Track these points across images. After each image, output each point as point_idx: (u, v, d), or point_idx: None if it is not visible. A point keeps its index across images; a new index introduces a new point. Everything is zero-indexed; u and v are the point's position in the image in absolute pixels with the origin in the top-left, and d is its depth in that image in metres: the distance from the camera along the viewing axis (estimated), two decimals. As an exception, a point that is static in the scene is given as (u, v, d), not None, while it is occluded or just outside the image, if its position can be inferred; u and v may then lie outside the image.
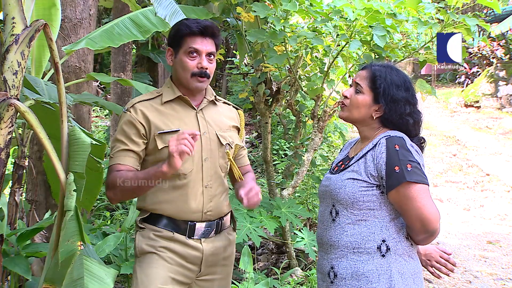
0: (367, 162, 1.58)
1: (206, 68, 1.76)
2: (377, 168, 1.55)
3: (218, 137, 1.83)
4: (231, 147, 1.87)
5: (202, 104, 1.85)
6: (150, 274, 1.73)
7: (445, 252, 1.74)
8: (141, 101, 1.80)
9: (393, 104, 1.61)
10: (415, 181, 1.49)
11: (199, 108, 1.84)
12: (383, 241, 1.54)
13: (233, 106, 2.01)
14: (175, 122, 1.78)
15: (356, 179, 1.58)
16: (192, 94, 1.83)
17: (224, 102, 1.98)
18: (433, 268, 1.74)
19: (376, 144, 1.58)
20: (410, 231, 1.55)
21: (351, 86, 1.73)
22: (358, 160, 1.62)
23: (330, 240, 1.62)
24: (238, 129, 1.96)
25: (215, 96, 1.92)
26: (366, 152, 1.61)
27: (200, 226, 1.79)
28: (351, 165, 1.64)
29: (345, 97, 1.70)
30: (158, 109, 1.79)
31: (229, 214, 1.94)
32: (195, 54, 1.75)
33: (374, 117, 1.64)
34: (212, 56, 1.79)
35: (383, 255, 1.53)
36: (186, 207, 1.76)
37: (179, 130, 1.73)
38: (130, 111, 1.77)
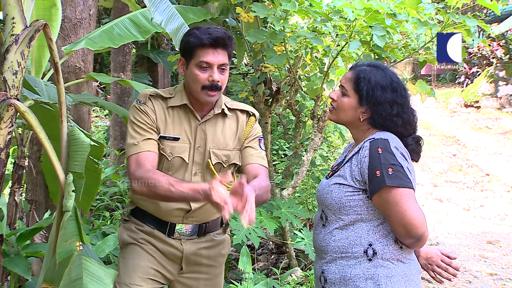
0: (352, 166, 1.55)
1: (218, 81, 1.71)
2: (361, 172, 1.52)
3: (210, 153, 1.79)
4: (223, 166, 1.82)
5: (207, 116, 1.80)
6: (131, 265, 1.76)
7: (448, 256, 1.69)
8: (155, 96, 1.79)
9: (377, 106, 1.57)
10: (396, 185, 1.45)
11: (203, 120, 1.80)
12: (370, 245, 1.51)
13: (248, 113, 1.89)
14: (176, 129, 1.77)
15: (342, 184, 1.55)
16: (200, 104, 1.79)
17: (237, 109, 1.88)
18: (434, 272, 1.69)
19: (361, 147, 1.55)
20: (396, 235, 1.52)
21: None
22: (345, 164, 1.60)
23: (320, 245, 1.62)
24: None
25: (225, 105, 1.84)
26: (352, 156, 1.58)
27: (180, 227, 1.81)
28: (339, 169, 1.61)
29: (333, 99, 1.67)
30: (165, 112, 1.78)
31: (219, 218, 1.92)
32: (206, 66, 1.69)
33: (362, 119, 1.61)
34: (224, 67, 1.72)
35: (369, 259, 1.51)
36: (167, 212, 1.79)
37: (178, 139, 1.75)
38: (146, 104, 1.76)
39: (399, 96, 1.59)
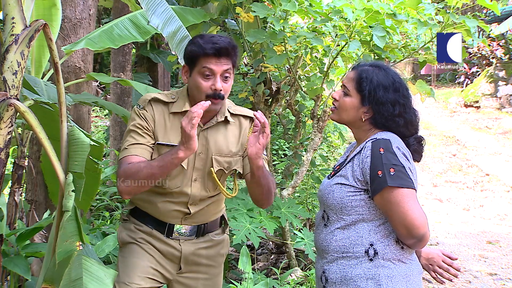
0: (354, 166, 1.55)
1: (221, 90, 1.68)
2: (363, 172, 1.52)
3: (212, 160, 1.79)
4: (225, 172, 1.83)
5: (209, 123, 1.79)
6: (130, 264, 1.77)
7: (449, 257, 1.69)
8: (156, 101, 1.78)
9: (380, 106, 1.57)
10: (398, 186, 1.45)
11: (205, 127, 1.78)
12: (371, 245, 1.52)
13: (251, 119, 1.85)
14: (176, 136, 1.73)
15: (344, 184, 1.55)
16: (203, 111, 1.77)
17: (240, 115, 1.86)
18: (436, 273, 1.69)
19: (363, 147, 1.55)
20: (398, 236, 1.52)
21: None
22: (346, 164, 1.60)
23: (321, 244, 1.62)
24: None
25: (229, 112, 1.83)
26: (354, 156, 1.58)
27: (179, 228, 1.82)
28: (341, 169, 1.61)
29: (335, 99, 1.67)
30: (165, 118, 1.77)
31: (218, 218, 1.93)
32: (209, 74, 1.68)
33: (364, 119, 1.61)
34: (228, 74, 1.71)
35: (371, 259, 1.51)
36: (166, 214, 1.80)
37: (177, 145, 1.71)
38: (145, 109, 1.75)
39: (401, 96, 1.59)
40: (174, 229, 1.81)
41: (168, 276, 1.83)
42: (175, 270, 1.84)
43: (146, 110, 1.75)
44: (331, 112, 1.71)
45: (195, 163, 1.78)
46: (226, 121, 1.82)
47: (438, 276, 1.70)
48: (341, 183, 1.56)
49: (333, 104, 1.69)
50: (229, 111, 1.84)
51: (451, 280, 1.71)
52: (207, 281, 1.89)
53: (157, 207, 1.79)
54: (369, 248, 1.52)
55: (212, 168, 1.78)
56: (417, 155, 1.63)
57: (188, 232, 1.83)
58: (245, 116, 1.87)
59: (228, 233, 2.02)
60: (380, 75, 1.60)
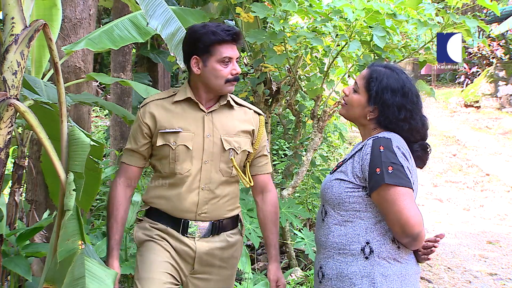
0: (354, 163, 1.57)
1: (239, 73, 1.80)
2: (362, 169, 1.53)
3: (222, 141, 1.82)
4: (236, 153, 1.85)
5: (213, 107, 1.85)
6: (149, 260, 1.79)
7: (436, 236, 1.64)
8: (152, 101, 1.87)
9: (385, 108, 1.58)
10: (394, 184, 1.46)
11: (209, 111, 1.84)
12: (367, 243, 1.52)
13: (255, 111, 1.97)
14: (180, 122, 1.81)
15: (343, 179, 1.57)
16: (206, 97, 1.84)
17: (244, 106, 1.95)
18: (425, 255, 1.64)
19: (364, 145, 1.57)
20: (393, 234, 1.52)
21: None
22: (347, 160, 1.61)
23: (319, 240, 1.63)
24: (253, 134, 1.92)
25: (232, 99, 1.91)
26: (355, 153, 1.59)
27: (194, 229, 1.82)
28: (342, 165, 1.63)
29: (345, 94, 1.70)
30: (167, 108, 1.84)
31: (234, 217, 1.93)
32: (228, 61, 1.77)
33: (369, 118, 1.62)
34: (238, 59, 1.83)
35: (366, 257, 1.52)
36: (180, 206, 1.81)
37: (180, 131, 1.79)
38: (140, 111, 1.86)
39: (409, 101, 1.59)
40: (189, 228, 1.81)
41: (182, 277, 1.84)
42: (188, 270, 1.84)
43: (143, 112, 1.84)
44: (341, 106, 1.74)
45: (204, 146, 1.81)
46: (230, 106, 1.89)
47: (426, 256, 1.63)
48: (340, 179, 1.58)
49: (343, 99, 1.71)
50: (232, 99, 1.91)
51: (433, 251, 1.63)
52: (218, 283, 1.89)
53: (171, 200, 1.81)
54: (365, 246, 1.52)
55: (232, 158, 1.83)
56: (419, 161, 1.63)
57: (204, 230, 1.83)
58: (249, 108, 1.96)
59: (244, 235, 2.01)
60: (391, 77, 1.60)
